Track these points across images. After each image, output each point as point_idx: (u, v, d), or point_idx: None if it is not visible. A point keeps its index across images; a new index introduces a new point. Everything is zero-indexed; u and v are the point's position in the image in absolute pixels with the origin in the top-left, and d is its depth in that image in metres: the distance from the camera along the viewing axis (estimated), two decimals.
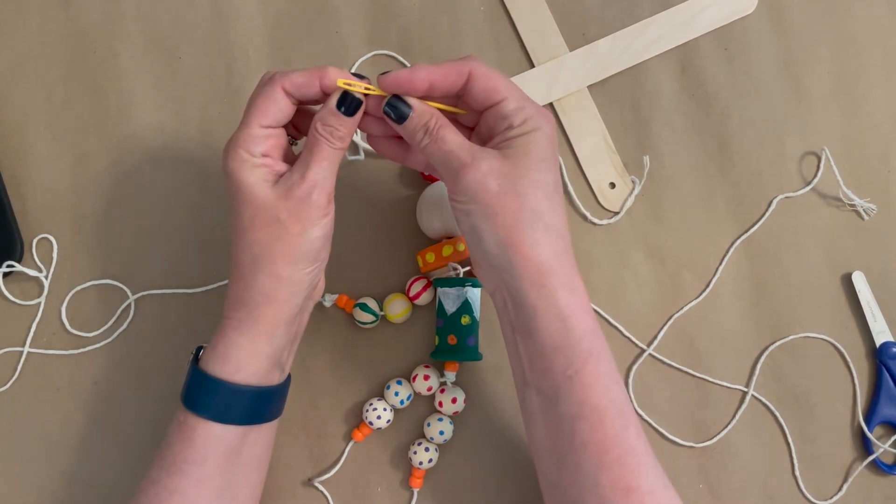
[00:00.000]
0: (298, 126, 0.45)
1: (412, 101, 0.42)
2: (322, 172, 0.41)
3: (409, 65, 0.56)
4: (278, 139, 0.43)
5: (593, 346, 0.40)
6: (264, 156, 0.41)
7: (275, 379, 0.44)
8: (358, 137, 0.53)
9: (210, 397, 0.42)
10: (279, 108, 0.41)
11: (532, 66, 0.57)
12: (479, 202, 0.40)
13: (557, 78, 0.56)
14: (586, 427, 0.40)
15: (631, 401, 0.42)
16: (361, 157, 0.52)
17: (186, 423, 0.42)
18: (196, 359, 0.44)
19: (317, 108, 0.43)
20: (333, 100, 0.41)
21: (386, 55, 0.57)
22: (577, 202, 0.55)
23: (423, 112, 0.42)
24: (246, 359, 0.42)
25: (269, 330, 0.43)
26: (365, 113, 0.43)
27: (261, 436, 0.45)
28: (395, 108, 0.42)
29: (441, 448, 0.52)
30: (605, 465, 0.40)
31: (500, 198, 0.40)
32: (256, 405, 0.44)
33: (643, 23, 0.57)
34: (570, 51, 0.57)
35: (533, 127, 0.41)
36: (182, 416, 0.42)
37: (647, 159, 0.55)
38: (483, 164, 0.40)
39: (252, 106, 0.42)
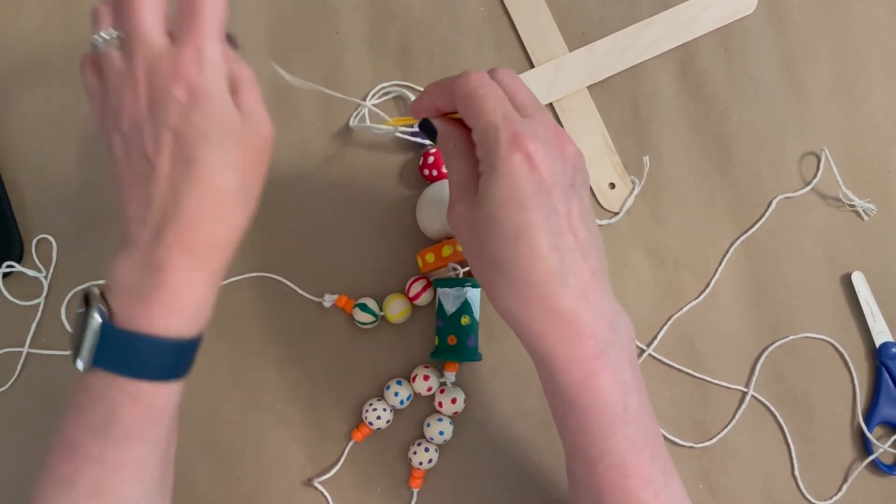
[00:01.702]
0: None
1: (440, 123, 0.42)
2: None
3: (412, 97, 0.56)
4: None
5: (578, 398, 0.37)
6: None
7: None
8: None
9: (175, 362, 0.38)
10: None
11: (532, 66, 0.57)
12: (459, 239, 0.40)
13: (557, 78, 0.56)
14: (580, 467, 0.40)
15: (647, 446, 0.39)
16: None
17: (142, 394, 0.37)
18: (101, 311, 0.37)
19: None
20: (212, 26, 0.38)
21: (396, 86, 0.56)
22: None
23: (442, 136, 0.41)
24: (207, 310, 0.39)
25: (223, 274, 0.39)
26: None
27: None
28: (423, 132, 0.42)
29: (441, 448, 0.52)
30: None
31: (469, 243, 0.39)
32: (195, 351, 0.40)
33: (643, 23, 0.57)
34: (570, 51, 0.57)
35: (488, 167, 0.37)
36: (132, 387, 0.37)
37: (646, 160, 0.55)
38: (459, 206, 0.39)
39: (209, 17, 0.37)
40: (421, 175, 0.54)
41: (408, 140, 0.54)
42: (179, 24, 0.37)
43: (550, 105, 0.56)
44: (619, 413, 0.38)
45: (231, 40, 0.39)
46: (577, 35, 0.57)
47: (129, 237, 0.38)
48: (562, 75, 0.56)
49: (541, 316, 0.37)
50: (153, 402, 0.38)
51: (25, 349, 0.53)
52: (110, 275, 0.38)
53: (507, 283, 0.37)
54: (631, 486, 0.38)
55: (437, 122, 0.42)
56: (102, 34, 0.38)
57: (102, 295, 0.37)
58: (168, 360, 0.37)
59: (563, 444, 0.41)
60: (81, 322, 0.37)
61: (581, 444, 0.39)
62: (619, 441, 0.38)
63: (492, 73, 0.40)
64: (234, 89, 0.38)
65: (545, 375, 0.39)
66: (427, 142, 0.53)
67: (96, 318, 0.37)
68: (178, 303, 0.37)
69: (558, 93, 0.56)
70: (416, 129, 0.53)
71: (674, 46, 0.57)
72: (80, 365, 0.37)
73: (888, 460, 0.53)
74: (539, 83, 0.56)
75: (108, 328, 0.37)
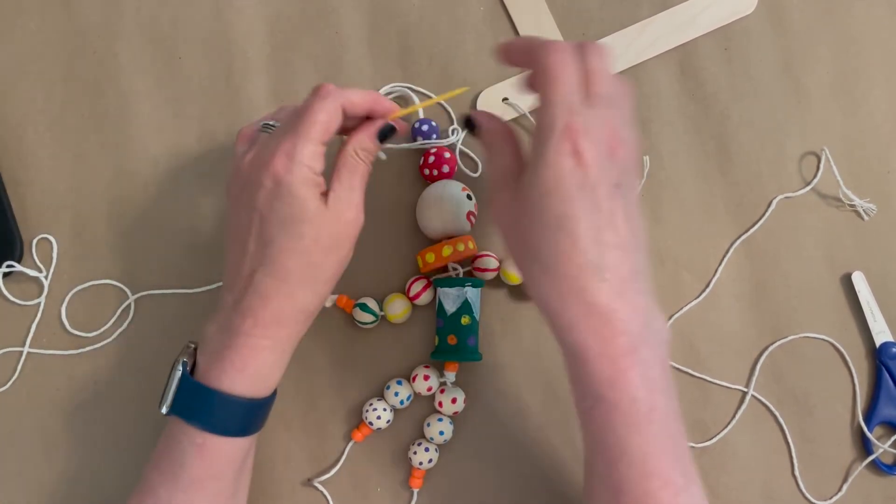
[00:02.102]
0: None
1: (482, 120, 0.44)
2: (362, 195, 0.43)
3: (415, 99, 0.56)
4: (324, 158, 0.43)
5: (606, 393, 0.37)
6: (321, 174, 0.42)
7: None
8: None
9: (239, 418, 0.42)
10: (337, 124, 0.43)
11: None
12: (500, 233, 0.42)
13: None
14: (601, 461, 0.39)
15: (670, 448, 0.38)
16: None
17: (207, 445, 0.41)
18: (189, 370, 0.43)
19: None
20: (372, 128, 0.44)
21: (399, 87, 0.56)
22: None
23: (487, 131, 0.43)
24: (275, 375, 0.43)
25: (294, 345, 0.44)
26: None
27: (255, 437, 0.46)
28: (468, 122, 0.44)
29: (441, 448, 0.52)
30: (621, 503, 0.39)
31: (510, 231, 0.40)
32: (268, 411, 0.45)
33: (642, 23, 0.57)
34: None
35: (537, 154, 0.37)
36: (199, 438, 0.41)
37: (647, 159, 0.55)
38: (502, 194, 0.40)
39: (316, 121, 0.41)
40: (421, 175, 0.54)
41: (407, 140, 0.54)
42: (286, 123, 0.42)
43: None
44: (646, 412, 0.37)
45: (385, 134, 0.45)
46: (578, 35, 0.57)
47: (220, 300, 0.43)
48: None
49: (576, 308, 0.37)
50: (218, 454, 0.42)
51: (25, 349, 0.53)
52: (202, 332, 0.43)
53: (545, 273, 0.38)
54: (651, 485, 0.38)
55: (482, 119, 0.44)
56: (271, 122, 0.45)
57: (196, 350, 0.44)
58: (233, 415, 0.42)
59: (585, 436, 0.41)
60: (171, 371, 0.43)
61: (603, 439, 0.38)
62: (643, 440, 0.38)
63: (582, 48, 0.39)
64: (332, 181, 0.43)
65: (574, 367, 0.39)
66: (428, 141, 0.53)
67: (178, 370, 0.43)
68: (244, 365, 0.41)
69: None
70: (418, 126, 0.53)
71: (673, 46, 0.57)
72: (162, 409, 0.43)
73: (888, 460, 0.53)
74: None
75: (186, 379, 0.42)
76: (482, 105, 0.55)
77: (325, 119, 0.41)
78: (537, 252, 0.38)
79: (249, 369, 0.42)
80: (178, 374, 0.43)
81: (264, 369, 0.42)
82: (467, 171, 0.54)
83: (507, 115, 0.55)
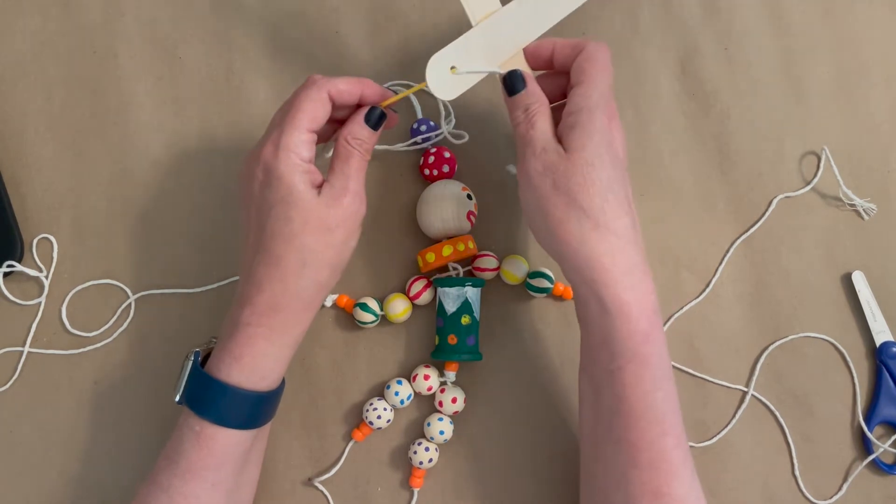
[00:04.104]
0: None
1: (529, 80, 0.44)
2: (360, 183, 0.43)
3: (414, 99, 0.56)
4: (314, 145, 0.44)
5: (641, 348, 0.41)
6: (309, 161, 0.43)
7: (281, 378, 0.45)
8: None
9: (234, 408, 0.42)
10: (325, 112, 0.43)
11: None
12: (535, 194, 0.42)
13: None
14: (622, 424, 0.41)
15: (680, 411, 0.42)
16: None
17: (204, 432, 0.42)
18: (199, 362, 0.43)
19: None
20: (362, 115, 0.44)
21: (401, 87, 0.56)
22: None
23: (532, 93, 0.44)
24: (272, 367, 0.43)
25: (297, 337, 0.44)
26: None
27: (263, 432, 0.46)
28: (511, 81, 0.45)
29: (441, 448, 0.52)
30: (637, 464, 0.40)
31: (554, 192, 0.41)
32: (271, 406, 0.45)
33: None
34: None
35: (587, 120, 0.41)
36: (198, 425, 0.42)
37: None
38: (548, 154, 0.42)
39: (300, 109, 0.42)
40: (421, 175, 0.54)
41: (407, 140, 0.54)
42: (277, 116, 0.44)
43: None
44: (667, 368, 0.42)
45: (374, 120, 0.44)
46: (578, 35, 0.57)
47: (234, 295, 0.44)
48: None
49: (623, 264, 0.41)
50: (213, 443, 0.42)
51: (25, 349, 0.53)
52: (221, 326, 0.44)
53: (596, 229, 0.41)
54: (666, 443, 0.40)
55: (529, 79, 0.45)
56: None
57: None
58: (229, 406, 0.42)
59: (601, 402, 0.42)
60: (183, 360, 0.44)
61: (629, 397, 0.41)
62: (664, 395, 0.41)
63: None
64: (330, 167, 0.43)
65: (610, 326, 0.41)
66: (425, 144, 0.53)
67: (190, 358, 0.44)
68: (241, 353, 0.42)
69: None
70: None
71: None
72: (176, 397, 0.43)
73: (888, 460, 0.53)
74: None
75: (195, 369, 0.43)
76: (432, 76, 0.45)
77: (308, 107, 0.42)
78: (590, 209, 0.41)
79: (246, 358, 0.42)
80: (190, 362, 0.44)
81: (262, 359, 0.42)
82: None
83: (457, 88, 0.46)
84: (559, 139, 0.43)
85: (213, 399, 0.42)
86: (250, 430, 0.43)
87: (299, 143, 0.42)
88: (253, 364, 0.42)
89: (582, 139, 0.41)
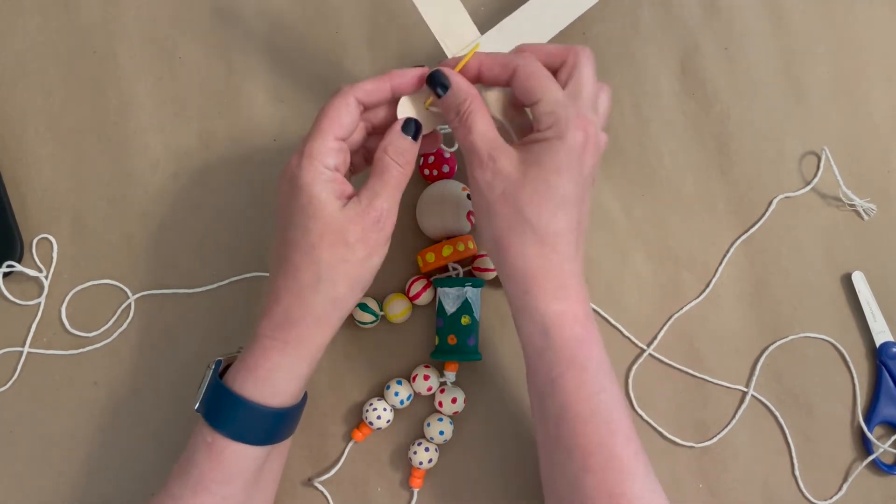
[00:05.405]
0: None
1: (453, 79, 0.42)
2: (391, 200, 0.42)
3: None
4: (345, 155, 0.43)
5: (578, 353, 0.41)
6: (336, 170, 0.42)
7: (300, 396, 0.44)
8: None
9: (245, 422, 0.41)
10: (352, 117, 0.42)
11: None
12: (484, 199, 0.41)
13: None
14: (569, 430, 0.40)
15: (627, 408, 0.42)
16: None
17: (215, 444, 0.41)
18: (219, 373, 0.43)
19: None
20: (399, 125, 0.43)
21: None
22: None
23: (458, 92, 0.42)
24: (287, 382, 0.42)
25: (313, 353, 0.42)
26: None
27: (279, 450, 0.45)
28: (432, 84, 0.43)
29: (441, 448, 0.52)
30: (589, 468, 0.40)
31: (502, 201, 0.40)
32: (285, 425, 0.44)
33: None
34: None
35: (554, 135, 0.40)
36: (210, 436, 0.41)
37: None
38: (497, 163, 0.41)
39: (325, 116, 0.42)
40: (421, 175, 0.54)
41: None
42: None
43: None
44: (607, 370, 0.42)
45: (412, 130, 0.43)
46: (579, 34, 0.57)
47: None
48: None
49: (564, 278, 0.41)
50: (223, 456, 0.41)
51: (25, 349, 0.53)
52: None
53: (540, 244, 0.40)
54: (616, 443, 0.40)
55: (456, 79, 0.42)
56: None
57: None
58: (242, 419, 0.41)
59: (547, 411, 0.42)
60: (206, 370, 0.44)
61: (573, 403, 0.40)
62: (609, 396, 0.41)
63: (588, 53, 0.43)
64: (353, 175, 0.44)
65: (547, 338, 0.41)
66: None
67: (211, 367, 0.43)
68: (256, 365, 0.41)
69: None
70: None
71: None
72: (196, 405, 0.43)
73: (888, 460, 0.53)
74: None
75: (213, 378, 0.42)
76: (403, 109, 0.45)
77: (334, 114, 0.42)
78: (537, 223, 0.40)
79: (260, 370, 0.41)
80: (210, 371, 0.43)
81: (276, 373, 0.41)
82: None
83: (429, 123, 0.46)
84: (522, 133, 0.42)
85: (225, 411, 0.41)
86: (262, 447, 0.42)
87: (324, 151, 0.41)
88: (267, 377, 0.41)
89: (542, 150, 0.40)
